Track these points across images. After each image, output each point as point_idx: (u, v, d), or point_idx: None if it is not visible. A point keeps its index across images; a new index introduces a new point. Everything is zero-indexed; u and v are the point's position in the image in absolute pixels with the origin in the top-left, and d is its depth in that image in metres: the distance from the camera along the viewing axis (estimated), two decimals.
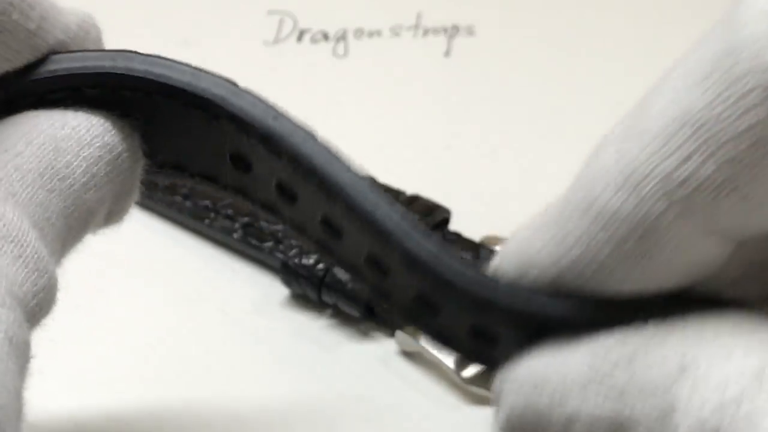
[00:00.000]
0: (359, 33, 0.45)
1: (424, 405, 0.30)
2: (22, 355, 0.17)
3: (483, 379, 0.30)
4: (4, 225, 0.17)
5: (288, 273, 0.32)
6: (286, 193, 0.20)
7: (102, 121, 0.20)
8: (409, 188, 0.35)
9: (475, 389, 0.30)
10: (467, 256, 0.33)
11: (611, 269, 0.17)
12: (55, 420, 0.30)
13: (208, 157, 0.21)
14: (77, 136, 0.19)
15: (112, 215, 0.21)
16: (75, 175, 0.19)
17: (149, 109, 0.20)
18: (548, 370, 0.17)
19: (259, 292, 0.34)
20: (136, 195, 0.21)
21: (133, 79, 0.19)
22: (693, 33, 0.49)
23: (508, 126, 0.40)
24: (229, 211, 0.34)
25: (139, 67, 0.19)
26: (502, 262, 0.18)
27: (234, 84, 0.19)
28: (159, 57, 0.20)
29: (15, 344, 0.17)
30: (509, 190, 0.37)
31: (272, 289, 0.33)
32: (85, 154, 0.19)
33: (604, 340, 0.17)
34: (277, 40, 0.44)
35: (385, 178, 0.35)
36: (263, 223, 0.34)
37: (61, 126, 0.19)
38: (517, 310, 0.18)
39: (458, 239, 0.33)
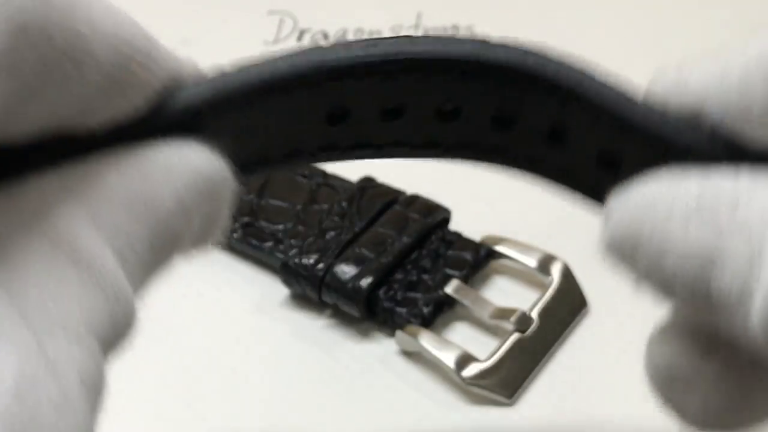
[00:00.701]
0: (359, 33, 0.45)
1: (424, 405, 0.30)
2: (94, 392, 0.17)
3: (483, 379, 0.30)
4: (83, 253, 0.17)
5: (288, 273, 0.32)
6: (389, 114, 0.21)
7: (194, 148, 0.20)
8: (409, 188, 0.35)
9: (475, 389, 0.30)
10: (467, 256, 0.33)
11: (759, 118, 0.18)
12: None
13: (294, 133, 0.21)
14: (167, 164, 0.19)
15: (201, 240, 0.21)
16: (163, 203, 0.19)
17: (243, 120, 0.20)
18: (658, 196, 0.18)
19: (259, 292, 0.34)
20: (225, 219, 0.21)
21: (239, 92, 0.20)
22: (692, 33, 0.49)
23: None
24: None
25: (248, 79, 0.20)
26: (656, 81, 0.19)
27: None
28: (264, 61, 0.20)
29: (87, 383, 0.17)
30: (509, 190, 0.37)
31: (272, 289, 0.33)
32: (174, 182, 0.19)
33: (716, 177, 0.18)
34: (277, 40, 0.44)
35: (385, 178, 0.35)
36: (263, 223, 0.34)
37: (153, 154, 0.19)
38: (651, 130, 0.19)
39: (458, 239, 0.33)
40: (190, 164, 0.19)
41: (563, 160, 0.21)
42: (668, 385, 0.20)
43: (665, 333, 0.20)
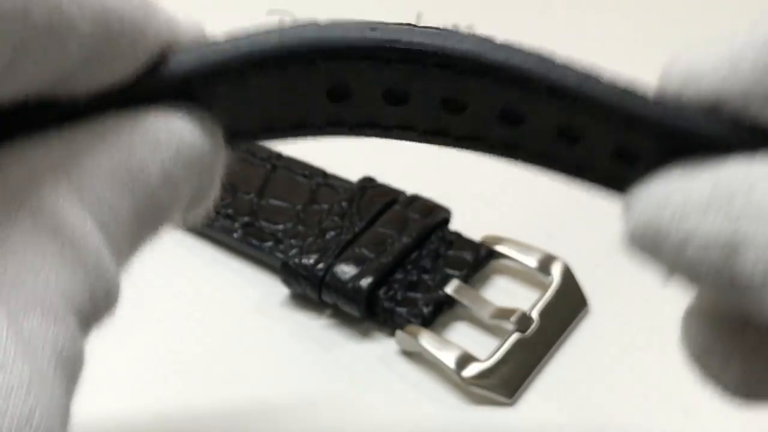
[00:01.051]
0: None
1: (424, 405, 0.30)
2: (71, 369, 0.17)
3: (483, 379, 0.30)
4: (65, 228, 0.17)
5: (288, 273, 0.32)
6: (393, 98, 0.21)
7: (182, 119, 0.19)
8: (409, 188, 0.35)
9: (475, 389, 0.30)
10: (467, 256, 0.33)
11: None
12: None
13: (297, 107, 0.21)
14: (154, 134, 0.19)
15: (191, 208, 0.21)
16: (149, 174, 0.18)
17: (237, 90, 0.20)
18: (674, 191, 0.18)
19: (259, 292, 0.34)
20: (217, 187, 0.21)
21: (228, 63, 0.20)
22: (691, 33, 0.49)
23: None
24: (229, 211, 0.34)
25: (238, 50, 0.20)
26: (667, 75, 0.19)
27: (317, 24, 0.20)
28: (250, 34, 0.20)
29: (64, 360, 0.17)
30: (509, 190, 0.37)
31: (272, 289, 0.33)
32: (162, 153, 0.19)
33: (729, 167, 0.18)
34: None
35: (385, 178, 0.35)
36: (263, 223, 0.34)
37: (140, 123, 0.19)
38: (666, 126, 0.18)
39: (458, 239, 0.33)
40: (177, 135, 0.19)
41: (578, 157, 0.21)
42: (705, 360, 0.21)
43: (699, 313, 0.21)
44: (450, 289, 0.32)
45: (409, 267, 0.32)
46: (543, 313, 0.31)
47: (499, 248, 0.33)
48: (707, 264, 0.18)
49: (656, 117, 0.19)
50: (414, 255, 0.33)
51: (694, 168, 0.18)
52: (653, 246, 0.19)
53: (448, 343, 0.31)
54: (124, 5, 0.18)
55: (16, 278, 0.16)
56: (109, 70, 0.18)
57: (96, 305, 0.18)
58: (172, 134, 0.19)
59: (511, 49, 0.19)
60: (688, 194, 0.18)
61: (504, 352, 0.30)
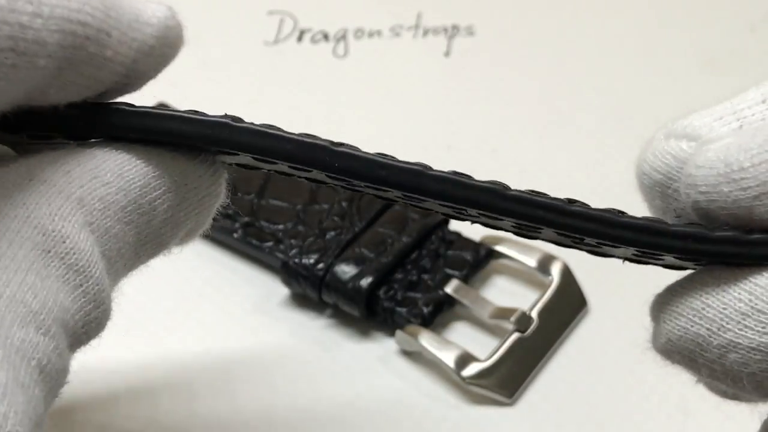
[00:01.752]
0: (359, 33, 0.45)
1: (424, 405, 0.30)
2: (52, 382, 0.17)
3: (483, 379, 0.30)
4: (73, 255, 0.18)
5: (288, 273, 0.32)
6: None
7: (194, 163, 0.20)
8: None
9: (475, 389, 0.30)
10: (467, 255, 0.33)
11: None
12: (54, 417, 0.30)
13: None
14: (167, 175, 0.19)
15: (183, 241, 0.22)
16: (156, 212, 0.19)
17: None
18: (708, 301, 0.18)
19: (259, 292, 0.34)
20: (209, 223, 0.22)
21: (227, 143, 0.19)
22: (691, 34, 0.49)
23: (508, 126, 0.40)
24: (229, 211, 0.34)
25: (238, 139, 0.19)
26: (702, 167, 0.18)
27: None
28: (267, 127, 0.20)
29: (47, 372, 0.17)
30: None
31: (272, 289, 0.33)
32: (171, 194, 0.20)
33: (764, 276, 0.18)
34: (277, 40, 0.44)
35: None
36: (263, 223, 0.34)
37: (155, 164, 0.19)
38: (690, 249, 0.18)
39: (458, 239, 0.33)
40: (189, 179, 0.20)
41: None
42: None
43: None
44: (450, 288, 0.32)
45: (409, 267, 0.32)
46: (543, 313, 0.31)
47: (499, 248, 0.33)
48: (750, 370, 0.18)
49: (678, 244, 0.18)
50: (414, 255, 0.33)
51: (725, 276, 0.18)
52: (690, 356, 0.19)
53: (447, 343, 0.31)
54: (84, 7, 0.18)
55: (16, 295, 0.17)
56: (83, 76, 0.18)
57: (88, 330, 0.18)
58: (185, 176, 0.20)
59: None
60: (726, 303, 0.18)
61: (504, 352, 0.30)
